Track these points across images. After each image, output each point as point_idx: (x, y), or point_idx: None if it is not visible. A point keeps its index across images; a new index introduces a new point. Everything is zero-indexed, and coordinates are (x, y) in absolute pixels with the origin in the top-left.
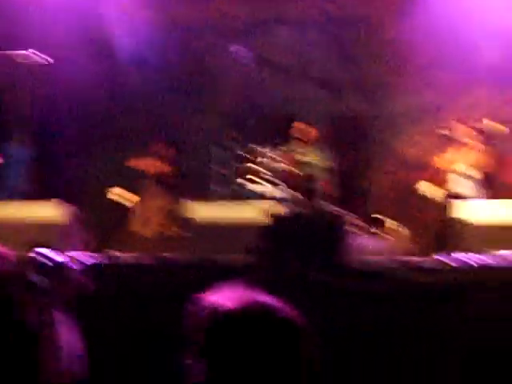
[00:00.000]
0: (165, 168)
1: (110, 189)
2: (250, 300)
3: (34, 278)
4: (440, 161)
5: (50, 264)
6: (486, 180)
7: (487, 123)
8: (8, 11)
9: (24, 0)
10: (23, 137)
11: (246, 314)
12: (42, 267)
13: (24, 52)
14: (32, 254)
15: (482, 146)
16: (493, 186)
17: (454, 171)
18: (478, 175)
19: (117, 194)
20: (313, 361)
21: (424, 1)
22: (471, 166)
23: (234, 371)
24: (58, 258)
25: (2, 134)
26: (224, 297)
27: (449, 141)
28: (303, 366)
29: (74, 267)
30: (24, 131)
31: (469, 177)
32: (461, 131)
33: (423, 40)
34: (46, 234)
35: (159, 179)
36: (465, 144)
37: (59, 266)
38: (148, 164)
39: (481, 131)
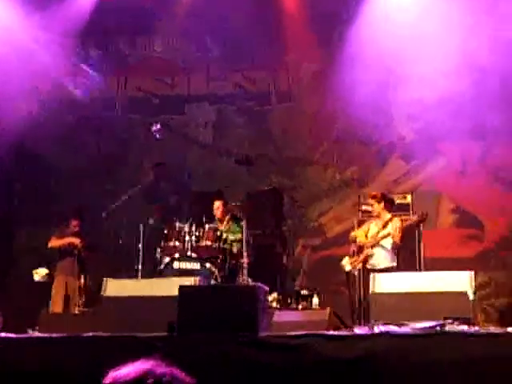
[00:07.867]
0: (82, 246)
1: (35, 270)
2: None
3: None
4: (359, 235)
5: None
6: (400, 251)
7: (400, 195)
8: None
9: None
10: None
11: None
12: None
13: None
14: None
15: (397, 219)
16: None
17: (373, 244)
18: (394, 247)
19: (41, 275)
20: None
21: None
22: (388, 237)
23: None
24: None
25: None
26: (128, 369)
27: (368, 215)
28: None
29: None
30: None
31: (387, 249)
32: (378, 205)
33: (341, 114)
34: None
35: (77, 257)
36: (380, 217)
37: None
38: (66, 242)
39: (393, 203)
